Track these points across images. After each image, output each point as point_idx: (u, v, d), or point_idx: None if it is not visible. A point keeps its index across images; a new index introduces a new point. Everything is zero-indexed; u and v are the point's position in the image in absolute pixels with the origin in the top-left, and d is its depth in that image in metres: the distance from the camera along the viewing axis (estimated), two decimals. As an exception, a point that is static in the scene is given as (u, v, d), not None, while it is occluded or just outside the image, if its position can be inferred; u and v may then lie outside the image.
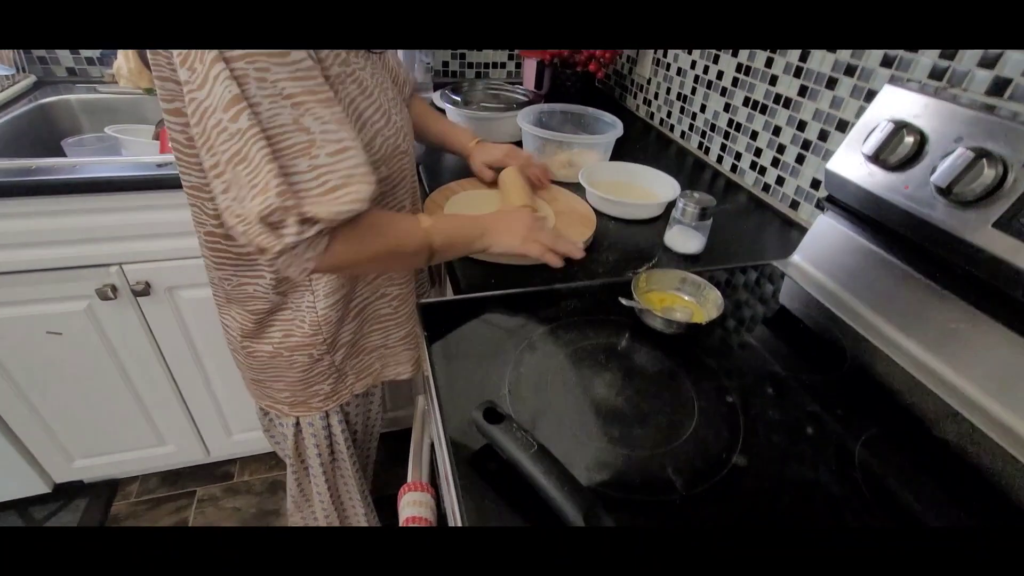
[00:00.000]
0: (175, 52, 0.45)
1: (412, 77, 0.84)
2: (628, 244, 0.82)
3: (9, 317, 1.00)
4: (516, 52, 1.60)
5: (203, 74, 0.43)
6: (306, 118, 0.46)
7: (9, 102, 1.16)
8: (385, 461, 1.23)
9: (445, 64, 1.57)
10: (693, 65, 1.17)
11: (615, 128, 1.01)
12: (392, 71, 0.76)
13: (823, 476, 0.47)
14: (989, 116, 0.54)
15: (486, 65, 1.61)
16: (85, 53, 1.32)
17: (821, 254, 0.75)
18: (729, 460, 0.47)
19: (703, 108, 1.16)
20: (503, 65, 1.62)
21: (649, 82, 1.37)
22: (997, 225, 0.52)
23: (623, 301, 0.60)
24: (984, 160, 0.52)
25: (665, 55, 1.28)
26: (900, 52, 0.72)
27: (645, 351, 0.60)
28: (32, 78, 1.27)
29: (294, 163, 0.45)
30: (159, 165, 0.93)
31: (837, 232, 0.73)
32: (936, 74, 0.68)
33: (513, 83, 1.52)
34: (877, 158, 0.62)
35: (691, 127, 1.21)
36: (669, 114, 1.29)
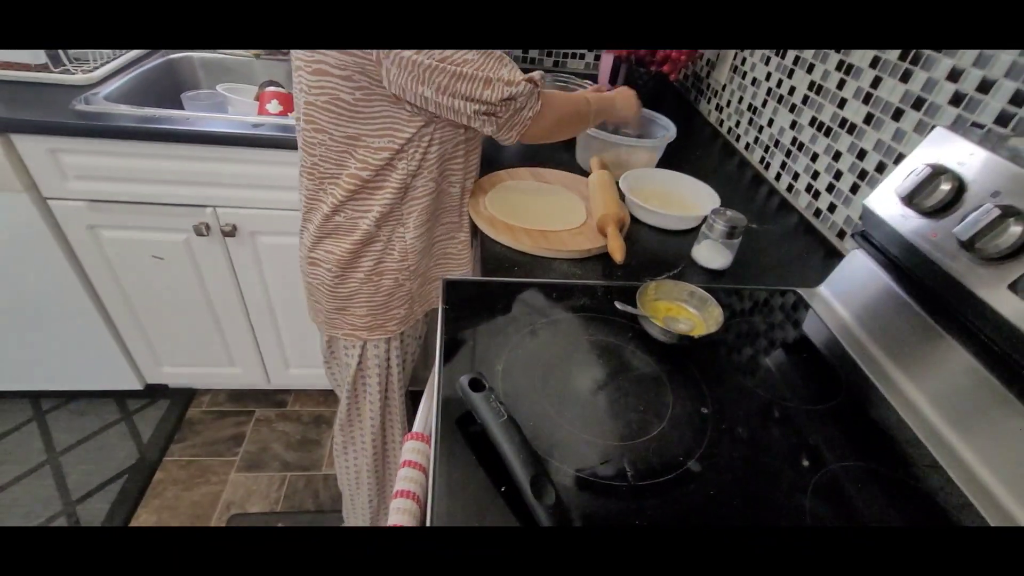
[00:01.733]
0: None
1: None
2: (655, 251, 0.85)
3: (125, 239, 1.19)
4: (596, 44, 1.61)
5: None
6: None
7: (146, 54, 1.35)
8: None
9: (525, 51, 1.62)
10: (768, 77, 1.14)
11: (668, 132, 1.02)
12: None
13: (770, 496, 0.50)
14: (1030, 174, 0.52)
15: (564, 54, 1.63)
16: (210, 16, 1.49)
17: (847, 289, 0.75)
18: (684, 464, 0.52)
19: (771, 122, 1.13)
20: (582, 56, 1.64)
21: (724, 88, 1.34)
22: (1012, 287, 0.51)
23: (618, 305, 0.64)
24: (1012, 219, 0.51)
25: (743, 63, 1.25)
26: (970, 92, 0.69)
27: (639, 355, 0.64)
28: (166, 35, 1.46)
29: (505, 62, 0.68)
30: (254, 125, 1.07)
31: (867, 270, 0.72)
32: (1004, 119, 0.65)
33: (585, 76, 1.54)
34: (910, 201, 0.61)
35: (756, 140, 1.19)
36: (738, 123, 1.27)
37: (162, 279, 1.27)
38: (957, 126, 0.70)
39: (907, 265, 0.64)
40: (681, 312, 0.69)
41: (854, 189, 0.88)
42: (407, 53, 0.62)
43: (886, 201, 0.66)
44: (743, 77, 1.25)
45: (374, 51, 0.62)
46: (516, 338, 0.64)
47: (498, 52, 0.67)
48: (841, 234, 0.91)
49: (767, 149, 1.14)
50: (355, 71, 0.65)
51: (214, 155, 1.08)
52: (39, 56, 1.11)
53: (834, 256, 0.90)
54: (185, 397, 1.63)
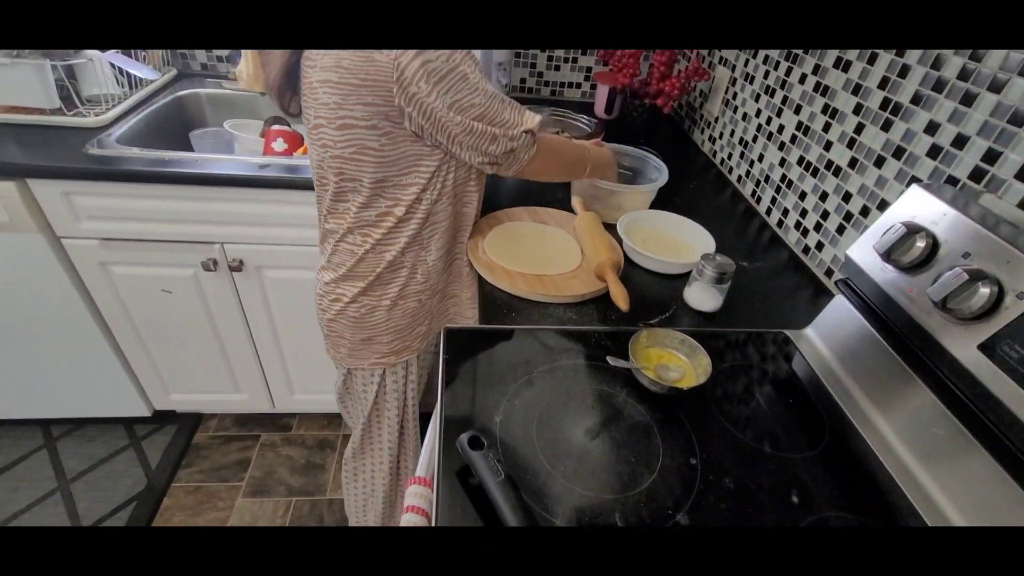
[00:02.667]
0: (419, 81, 0.65)
1: None
2: (648, 293, 0.88)
3: (135, 274, 1.23)
4: (592, 75, 1.65)
5: (449, 82, 0.67)
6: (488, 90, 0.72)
7: (155, 92, 1.39)
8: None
9: (522, 81, 1.66)
10: (758, 113, 1.18)
11: (660, 175, 1.05)
12: None
13: (756, 548, 0.53)
14: (996, 238, 0.55)
15: (561, 84, 1.67)
16: (216, 52, 1.54)
17: (832, 334, 0.77)
18: (673, 517, 0.54)
19: (761, 158, 1.16)
20: (578, 85, 1.68)
21: (716, 120, 1.38)
22: (982, 348, 0.54)
23: (611, 361, 0.67)
24: (980, 282, 0.54)
25: (734, 97, 1.29)
26: (946, 146, 0.72)
27: (630, 403, 0.67)
28: (174, 71, 1.50)
29: (507, 104, 0.74)
30: (261, 166, 1.11)
31: (850, 316, 0.75)
32: (977, 175, 0.68)
33: (581, 106, 1.58)
34: (888, 256, 0.64)
35: (748, 174, 1.22)
36: (730, 156, 1.30)
37: (171, 311, 1.30)
38: (933, 181, 0.73)
39: (886, 316, 0.67)
40: (672, 359, 0.72)
41: (840, 230, 0.91)
42: (429, 99, 0.66)
43: (866, 254, 0.69)
44: (735, 111, 1.28)
45: (396, 99, 0.67)
46: (514, 388, 0.67)
47: (499, 92, 0.73)
48: (829, 272, 0.94)
49: (758, 183, 1.17)
50: (379, 119, 0.70)
51: (222, 195, 1.11)
52: (53, 100, 1.15)
53: (822, 294, 0.93)
54: (192, 422, 1.66)
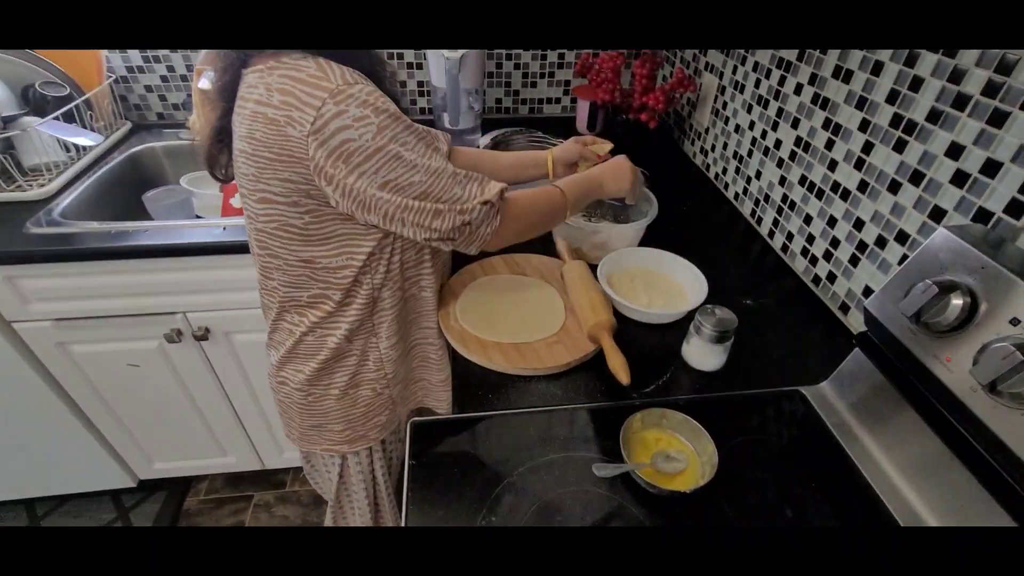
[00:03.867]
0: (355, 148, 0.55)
1: (444, 136, 0.84)
2: (641, 351, 0.78)
3: (98, 351, 1.15)
4: (570, 90, 1.55)
5: (380, 158, 0.57)
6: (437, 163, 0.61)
7: (109, 150, 1.30)
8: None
9: (498, 101, 1.56)
10: (752, 126, 1.07)
11: (651, 209, 0.95)
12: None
13: None
14: (1054, 306, 0.45)
15: (539, 101, 1.57)
16: (172, 100, 1.46)
17: (853, 392, 0.68)
18: (683, 672, 0.45)
19: (759, 175, 1.06)
20: (558, 101, 1.58)
21: (707, 131, 1.27)
22: (1046, 443, 0.44)
23: (596, 472, 0.58)
24: (1038, 363, 0.44)
25: (724, 107, 1.18)
26: (974, 173, 0.61)
27: (627, 508, 0.58)
28: (128, 125, 1.42)
29: (459, 179, 0.62)
30: (219, 229, 1.02)
31: (873, 373, 0.65)
32: (1015, 208, 0.58)
33: (561, 121, 1.49)
34: (918, 319, 0.54)
35: (745, 191, 1.12)
36: (725, 171, 1.20)
37: (141, 384, 1.23)
38: (962, 222, 0.63)
39: (920, 386, 0.57)
40: (672, 443, 0.63)
41: (854, 261, 0.81)
42: (349, 181, 0.57)
43: (889, 308, 0.59)
44: (726, 123, 1.18)
45: (315, 179, 0.58)
46: (493, 496, 0.58)
47: (451, 168, 0.61)
48: (844, 308, 0.84)
49: (757, 203, 1.07)
50: (300, 196, 0.60)
51: (180, 265, 1.03)
52: (-10, 176, 1.07)
53: (837, 332, 0.83)
54: (181, 486, 1.58)
